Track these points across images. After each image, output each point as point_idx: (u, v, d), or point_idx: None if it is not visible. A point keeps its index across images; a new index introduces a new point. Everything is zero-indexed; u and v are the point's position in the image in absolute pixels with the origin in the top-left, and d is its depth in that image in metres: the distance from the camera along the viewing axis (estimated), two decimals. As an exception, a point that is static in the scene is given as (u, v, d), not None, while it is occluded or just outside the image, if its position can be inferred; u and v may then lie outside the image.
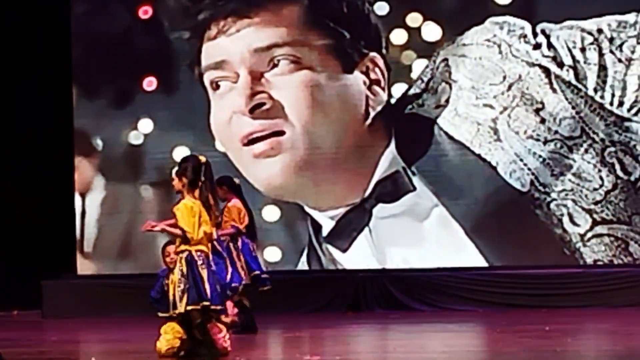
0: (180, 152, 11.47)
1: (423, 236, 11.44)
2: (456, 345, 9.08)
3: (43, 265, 11.51)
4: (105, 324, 10.60)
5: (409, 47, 11.46)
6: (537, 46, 11.13)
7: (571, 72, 11.12)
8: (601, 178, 11.09)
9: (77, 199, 11.79)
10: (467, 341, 9.58)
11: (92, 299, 11.35)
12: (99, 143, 11.86)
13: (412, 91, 11.37)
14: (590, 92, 11.09)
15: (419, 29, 11.30)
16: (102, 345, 9.93)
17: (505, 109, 11.18)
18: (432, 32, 11.37)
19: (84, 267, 11.93)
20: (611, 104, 11.07)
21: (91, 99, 11.94)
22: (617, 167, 11.11)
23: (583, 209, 11.10)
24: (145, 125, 11.67)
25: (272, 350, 8.89)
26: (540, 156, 11.16)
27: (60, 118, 11.88)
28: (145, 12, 11.65)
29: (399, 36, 11.38)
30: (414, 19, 11.30)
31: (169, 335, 7.76)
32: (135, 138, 11.67)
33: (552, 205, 11.13)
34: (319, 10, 11.40)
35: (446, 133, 11.31)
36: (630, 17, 10.99)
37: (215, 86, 11.34)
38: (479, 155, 11.13)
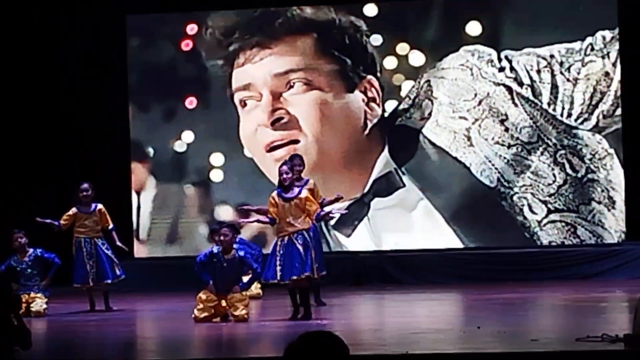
0: (216, 158, 12.49)
1: (411, 224, 12.22)
2: (438, 311, 10.18)
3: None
4: (156, 297, 11.43)
5: (399, 71, 12.25)
6: (501, 69, 11.98)
7: (529, 89, 11.93)
8: (554, 175, 11.94)
9: (134, 197, 12.66)
10: (447, 307, 10.64)
11: (146, 277, 12.03)
12: (150, 151, 12.70)
13: (401, 107, 12.17)
14: (545, 106, 11.92)
15: (406, 56, 12.16)
16: (154, 312, 10.83)
17: (476, 120, 12.00)
18: (417, 58, 12.19)
19: (140, 251, 12.60)
20: (562, 115, 11.91)
21: (144, 115, 12.80)
22: (567, 166, 11.92)
23: (540, 200, 11.96)
24: (188, 136, 12.52)
25: (287, 316, 9.15)
26: (505, 158, 12.02)
27: (120, 131, 12.67)
28: (186, 45, 12.53)
29: (390, 62, 12.21)
30: (402, 48, 12.12)
31: (203, 303, 8.99)
32: (179, 146, 12.56)
33: (514, 198, 11.99)
34: (326, 41, 12.20)
35: (429, 140, 12.06)
36: (576, 45, 11.81)
37: (243, 104, 12.20)
38: (455, 158, 12.03)
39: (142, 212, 12.89)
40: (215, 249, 9.26)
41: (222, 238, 9.16)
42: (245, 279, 9.53)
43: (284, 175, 8.98)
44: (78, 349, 9.19)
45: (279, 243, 8.94)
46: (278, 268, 8.85)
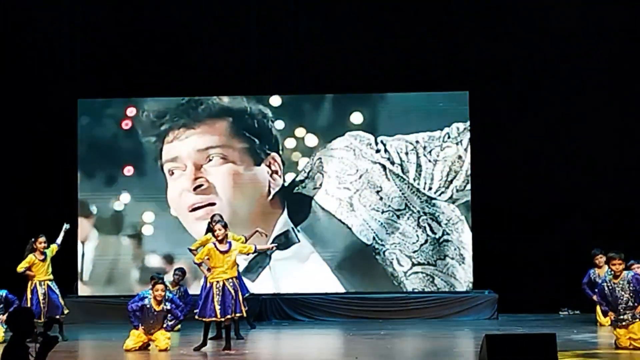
0: (148, 215, 13.56)
1: (304, 272, 13.47)
2: (324, 342, 11.42)
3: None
4: (96, 328, 12.32)
5: (297, 150, 13.58)
6: (377, 151, 13.34)
7: (399, 167, 13.25)
8: (417, 236, 13.28)
9: (80, 245, 13.58)
10: (331, 340, 11.70)
11: (88, 311, 13.06)
12: (94, 209, 13.78)
13: (298, 178, 13.44)
14: (411, 181, 13.25)
15: (303, 138, 13.51)
16: (93, 342, 11.62)
17: (357, 190, 13.30)
18: (311, 140, 13.57)
19: (83, 290, 13.61)
20: (424, 188, 13.24)
21: (90, 180, 13.89)
22: (428, 229, 13.23)
23: (405, 255, 13.26)
24: (125, 197, 13.71)
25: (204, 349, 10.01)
26: (379, 221, 13.28)
27: (70, 193, 13.75)
28: (126, 125, 13.80)
29: (290, 142, 13.59)
30: (300, 131, 13.51)
31: (134, 338, 9.90)
32: (118, 206, 13.66)
33: (386, 253, 13.26)
34: (239, 125, 13.50)
35: (320, 205, 13.35)
36: (436, 134, 13.26)
37: (171, 173, 13.38)
38: (340, 220, 13.35)
39: (86, 258, 13.73)
40: (146, 302, 9.91)
41: (155, 293, 9.87)
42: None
43: (220, 232, 9.71)
44: None
45: (215, 286, 9.77)
46: (218, 308, 9.71)
